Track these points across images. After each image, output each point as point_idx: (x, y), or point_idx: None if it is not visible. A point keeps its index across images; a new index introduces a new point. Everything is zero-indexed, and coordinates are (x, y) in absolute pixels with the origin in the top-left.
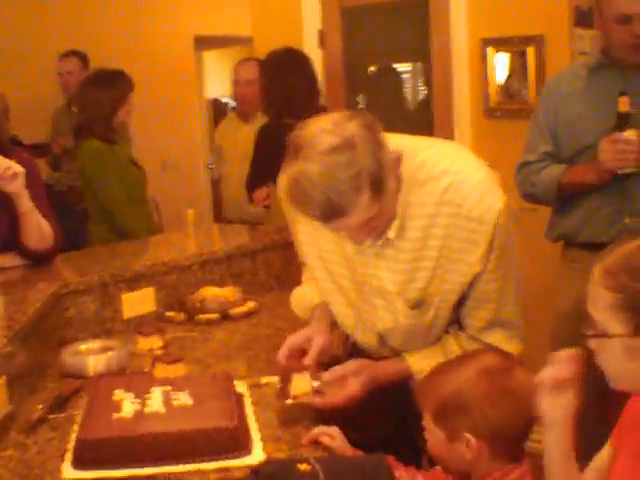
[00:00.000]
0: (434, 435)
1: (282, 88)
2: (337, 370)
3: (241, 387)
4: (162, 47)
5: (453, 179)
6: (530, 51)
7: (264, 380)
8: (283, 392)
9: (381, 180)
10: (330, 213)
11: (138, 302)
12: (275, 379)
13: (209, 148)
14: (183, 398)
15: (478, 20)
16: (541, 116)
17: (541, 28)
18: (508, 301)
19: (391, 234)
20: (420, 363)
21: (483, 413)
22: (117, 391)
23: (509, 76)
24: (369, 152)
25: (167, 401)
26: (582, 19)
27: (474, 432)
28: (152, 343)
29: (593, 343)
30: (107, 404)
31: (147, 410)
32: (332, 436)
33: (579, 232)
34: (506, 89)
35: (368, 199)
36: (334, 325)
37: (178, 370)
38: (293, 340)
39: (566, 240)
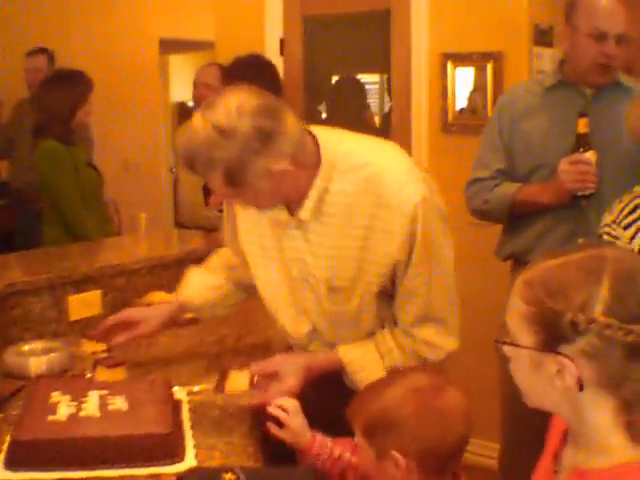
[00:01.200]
0: (364, 452)
1: None
2: (265, 365)
3: (180, 393)
4: (127, 49)
5: (375, 170)
6: (489, 67)
7: (204, 387)
8: (218, 388)
9: (236, 177)
10: (190, 168)
11: (84, 304)
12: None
13: (172, 151)
14: (119, 403)
15: (439, 34)
16: (495, 132)
17: (501, 45)
18: (437, 297)
19: (304, 215)
20: (351, 353)
21: (411, 432)
22: (54, 393)
23: (473, 91)
24: (240, 150)
25: (103, 405)
26: (541, 37)
27: (402, 451)
28: (96, 346)
29: (507, 350)
30: (43, 406)
31: (82, 414)
32: (288, 411)
33: (530, 251)
34: (469, 103)
35: (220, 181)
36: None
37: (119, 374)
38: (128, 314)
39: (515, 259)
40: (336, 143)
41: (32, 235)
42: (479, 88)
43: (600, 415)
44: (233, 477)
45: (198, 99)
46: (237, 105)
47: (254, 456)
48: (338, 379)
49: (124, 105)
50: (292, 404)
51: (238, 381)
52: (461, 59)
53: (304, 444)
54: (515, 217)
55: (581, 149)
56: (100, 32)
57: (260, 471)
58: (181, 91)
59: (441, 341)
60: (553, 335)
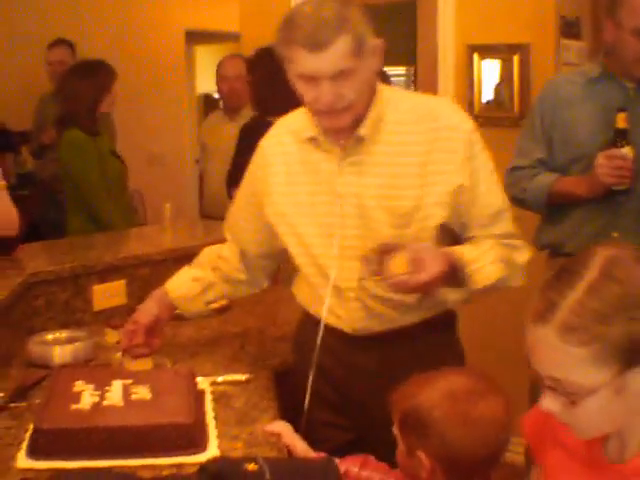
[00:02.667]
0: (399, 443)
1: (270, 86)
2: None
3: (203, 384)
4: (152, 40)
5: (428, 102)
6: (516, 59)
7: (228, 378)
8: (376, 271)
9: (363, 42)
10: (313, 41)
11: (109, 294)
12: (239, 377)
13: (198, 143)
14: (142, 392)
15: (465, 26)
16: (537, 120)
17: (527, 37)
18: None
19: (363, 131)
20: (470, 253)
21: (438, 437)
22: (78, 382)
23: (499, 83)
24: (361, 19)
25: (126, 395)
26: (568, 30)
27: (429, 452)
28: (120, 336)
29: (565, 405)
30: (66, 395)
31: (105, 403)
32: (281, 435)
33: (566, 243)
34: (496, 96)
35: (347, 45)
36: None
37: (145, 364)
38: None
39: (552, 249)
40: (387, 88)
41: (57, 225)
42: (505, 80)
43: None
44: (256, 467)
45: (226, 93)
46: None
47: (277, 446)
48: None
49: (150, 97)
50: (283, 427)
51: (400, 263)
52: (487, 51)
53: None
54: (552, 208)
55: (619, 144)
56: (126, 24)
57: (282, 461)
58: (207, 83)
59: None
60: (631, 352)
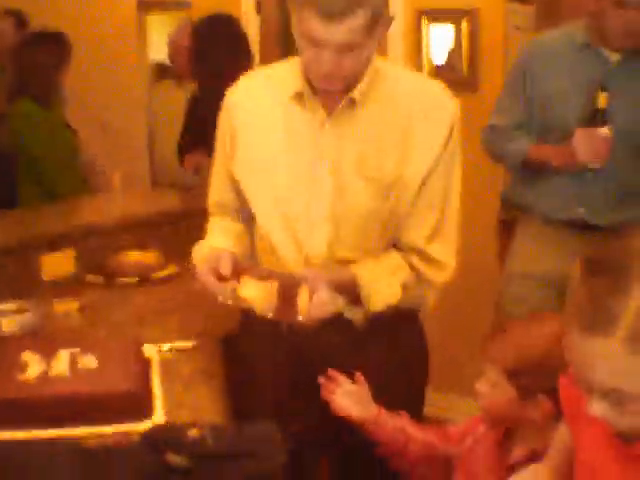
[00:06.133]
0: (501, 391)
1: (211, 56)
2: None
3: (150, 351)
4: (103, 9)
5: (416, 77)
6: (464, 24)
7: (175, 345)
8: (287, 309)
9: (379, 18)
10: (329, 9)
11: (58, 264)
12: (185, 344)
13: (148, 111)
14: (88, 361)
15: None
16: (520, 79)
17: (476, 1)
18: (451, 214)
19: (356, 94)
20: (363, 268)
21: (555, 374)
22: (25, 352)
23: (452, 47)
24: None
25: (72, 363)
26: None
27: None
28: (68, 306)
29: (616, 411)
30: (13, 365)
31: (51, 372)
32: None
33: (535, 205)
34: (448, 60)
35: (363, 21)
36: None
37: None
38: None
39: (522, 209)
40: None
41: (8, 195)
42: (457, 44)
43: None
44: (198, 432)
45: (172, 58)
46: None
47: (222, 413)
48: None
49: (101, 65)
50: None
51: (305, 296)
52: (436, 15)
53: (370, 415)
54: (527, 170)
55: (598, 123)
56: None
57: (224, 427)
58: (160, 51)
59: (448, 261)
60: None
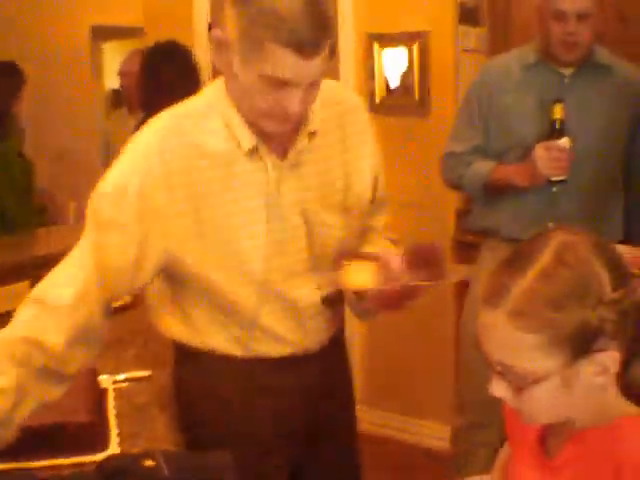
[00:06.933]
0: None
1: (156, 83)
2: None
3: (106, 382)
4: (57, 36)
5: (324, 85)
6: (415, 47)
7: (130, 375)
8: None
9: (334, 43)
10: (303, 43)
11: (11, 296)
12: (141, 374)
13: (104, 138)
14: None
15: (365, 15)
16: (474, 105)
17: (427, 24)
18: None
19: (316, 125)
20: None
21: None
22: None
23: (406, 70)
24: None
25: None
26: (468, 16)
27: None
28: None
29: (514, 391)
30: None
31: None
32: None
33: (502, 229)
34: (402, 83)
35: (326, 49)
36: None
37: None
38: None
39: (488, 234)
40: None
41: None
42: (409, 67)
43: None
44: (153, 463)
45: (124, 87)
46: None
47: (176, 444)
48: None
49: (57, 94)
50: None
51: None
52: (388, 40)
53: None
54: (489, 194)
55: (556, 135)
56: (30, 20)
57: (180, 456)
58: (115, 79)
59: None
60: (582, 341)
